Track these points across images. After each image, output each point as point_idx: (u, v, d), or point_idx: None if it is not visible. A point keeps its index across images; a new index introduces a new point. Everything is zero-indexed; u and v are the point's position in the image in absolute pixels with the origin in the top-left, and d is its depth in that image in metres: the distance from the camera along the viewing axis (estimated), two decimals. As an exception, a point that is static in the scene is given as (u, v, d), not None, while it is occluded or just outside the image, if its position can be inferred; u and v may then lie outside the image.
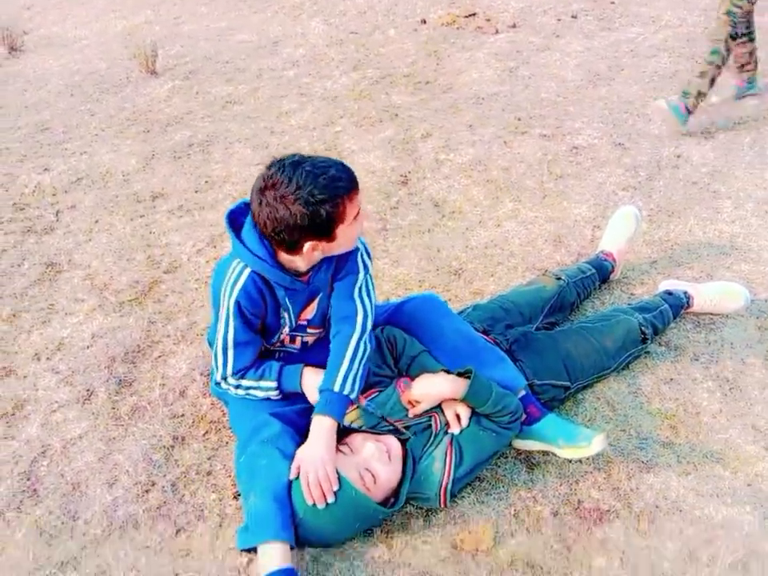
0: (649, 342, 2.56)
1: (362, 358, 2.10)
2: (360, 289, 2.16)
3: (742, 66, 4.07)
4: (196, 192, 3.72)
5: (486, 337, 2.37)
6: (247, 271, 1.99)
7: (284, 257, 1.97)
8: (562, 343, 2.44)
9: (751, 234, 3.17)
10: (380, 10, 6.05)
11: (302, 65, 5.21)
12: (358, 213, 1.93)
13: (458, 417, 2.12)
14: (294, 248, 1.91)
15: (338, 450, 1.98)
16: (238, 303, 2.00)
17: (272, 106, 4.63)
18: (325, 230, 1.88)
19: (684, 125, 3.84)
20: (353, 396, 2.05)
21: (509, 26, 5.49)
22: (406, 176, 3.77)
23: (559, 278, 2.75)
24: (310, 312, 2.17)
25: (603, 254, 2.93)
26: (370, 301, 2.19)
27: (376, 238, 3.28)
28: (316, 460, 1.91)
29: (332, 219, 1.86)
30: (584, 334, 2.49)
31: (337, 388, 2.03)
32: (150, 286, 3.03)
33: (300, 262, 1.98)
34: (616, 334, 2.50)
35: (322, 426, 1.98)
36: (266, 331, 2.14)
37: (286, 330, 2.15)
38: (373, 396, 2.18)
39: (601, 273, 2.88)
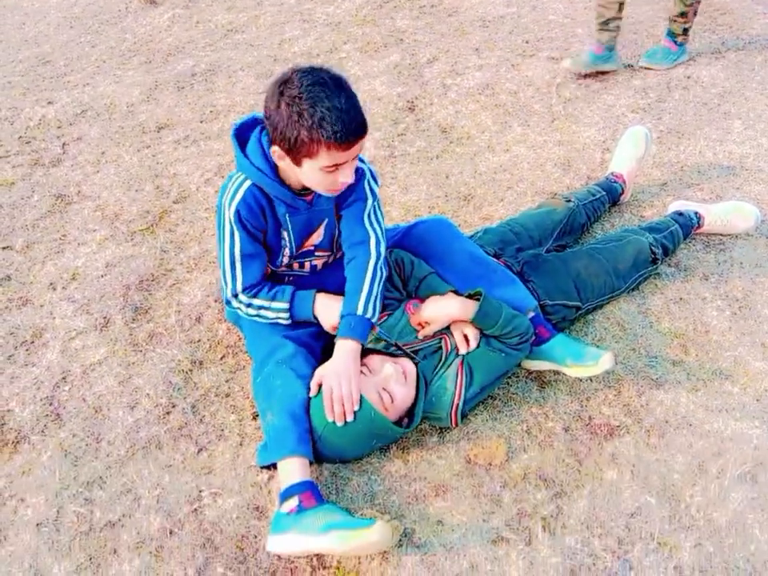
0: (659, 262, 2.57)
1: (380, 282, 2.13)
2: (369, 215, 2.16)
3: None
4: (201, 122, 3.69)
5: (496, 260, 2.39)
6: (247, 183, 2.00)
7: (285, 172, 1.97)
8: (573, 264, 2.45)
9: (761, 155, 3.14)
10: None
11: (303, -10, 5.09)
12: (336, 168, 1.88)
13: (466, 338, 2.15)
14: (270, 144, 1.91)
15: None
16: (238, 213, 2.00)
17: (274, 33, 4.54)
18: (292, 149, 1.84)
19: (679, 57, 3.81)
20: (374, 319, 2.08)
21: (515, -54, 5.33)
22: (412, 102, 3.72)
23: (569, 201, 2.74)
24: (317, 238, 2.17)
25: (613, 176, 2.91)
26: (380, 226, 2.20)
27: (384, 164, 3.26)
28: (341, 377, 1.95)
29: (301, 147, 1.82)
30: (594, 255, 2.49)
31: (360, 311, 2.06)
32: (161, 215, 3.03)
33: (293, 177, 1.96)
34: (626, 255, 2.51)
35: (346, 348, 2.02)
36: (268, 251, 2.14)
37: (287, 252, 2.15)
38: (383, 320, 2.20)
39: (611, 195, 2.87)
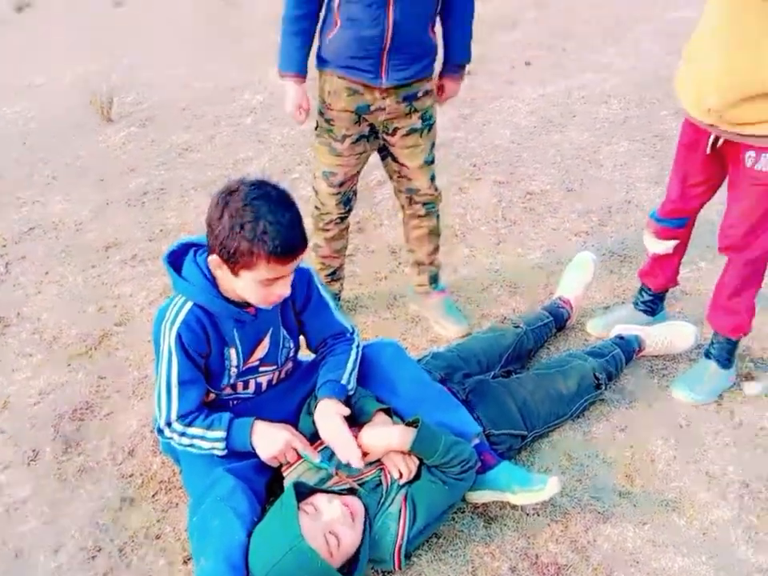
0: (603, 387, 2.57)
1: (357, 361, 2.22)
2: (336, 310, 2.25)
3: None
4: (150, 241, 3.69)
5: (443, 386, 2.36)
6: (189, 305, 1.97)
7: (225, 287, 1.96)
8: (519, 391, 2.44)
9: (701, 278, 3.22)
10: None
11: (259, 112, 5.23)
12: (274, 283, 1.90)
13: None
14: (209, 253, 1.91)
15: (302, 509, 1.91)
16: (179, 337, 1.96)
17: (229, 153, 4.63)
18: (231, 260, 1.85)
19: None
20: (351, 392, 2.16)
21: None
22: (362, 223, 3.78)
23: (517, 326, 2.76)
24: (262, 350, 2.13)
25: (561, 301, 2.96)
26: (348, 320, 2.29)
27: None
28: (336, 442, 2.06)
29: (240, 258, 1.83)
30: (540, 381, 2.49)
31: (344, 381, 2.13)
32: (101, 339, 2.98)
33: (233, 291, 1.96)
34: (571, 381, 2.51)
35: (330, 404, 2.09)
36: (209, 376, 2.08)
37: (234, 371, 2.10)
38: (322, 448, 2.14)
39: (557, 320, 2.90)
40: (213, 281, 1.95)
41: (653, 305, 2.92)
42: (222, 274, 1.91)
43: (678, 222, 2.67)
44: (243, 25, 7.13)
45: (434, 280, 3.06)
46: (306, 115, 2.65)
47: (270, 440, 2.05)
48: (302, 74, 2.60)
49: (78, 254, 3.57)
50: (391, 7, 2.37)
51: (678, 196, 2.60)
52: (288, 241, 1.83)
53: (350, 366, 2.18)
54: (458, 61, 2.68)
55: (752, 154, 2.28)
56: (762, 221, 2.37)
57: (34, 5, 9.48)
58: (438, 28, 2.60)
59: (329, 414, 2.08)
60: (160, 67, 6.33)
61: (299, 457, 2.08)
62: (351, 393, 2.16)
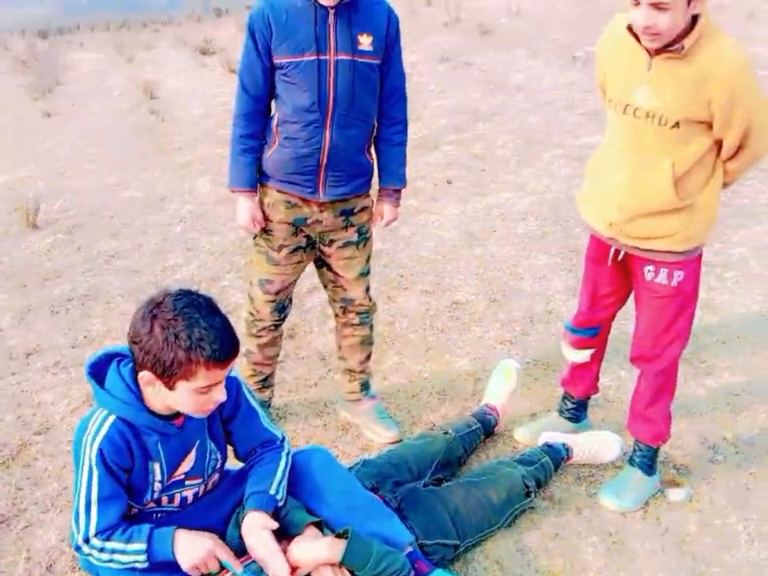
0: (533, 495, 2.60)
1: (287, 470, 2.18)
2: (265, 419, 2.23)
3: None
4: (73, 348, 3.60)
5: (374, 495, 2.35)
6: (111, 418, 1.93)
7: (150, 399, 1.93)
8: (450, 500, 2.45)
9: (621, 386, 3.34)
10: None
11: (188, 221, 5.28)
12: (211, 389, 1.90)
13: None
14: (139, 368, 1.89)
15: None
16: (101, 452, 1.90)
17: (157, 260, 4.63)
18: (166, 373, 1.84)
19: None
20: (281, 503, 2.10)
21: (389, 188, 5.80)
22: (293, 329, 3.80)
23: (446, 432, 2.80)
24: (188, 464, 2.08)
25: (488, 408, 3.02)
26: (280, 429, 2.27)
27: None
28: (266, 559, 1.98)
29: (177, 368, 1.83)
30: (471, 489, 2.51)
31: (272, 491, 2.09)
32: (19, 449, 2.86)
33: (160, 404, 1.94)
34: (501, 489, 2.54)
35: (257, 517, 2.03)
36: (132, 491, 2.02)
37: (158, 486, 2.04)
38: (248, 562, 2.06)
39: (485, 426, 2.95)
40: (137, 393, 1.93)
41: (577, 412, 3.01)
42: (155, 389, 1.90)
43: (590, 331, 2.80)
44: (173, 137, 7.26)
45: (365, 387, 3.08)
46: (259, 226, 2.71)
47: (191, 548, 1.98)
48: (253, 188, 2.68)
49: (-3, 361, 3.46)
50: (327, 130, 2.51)
51: (588, 307, 2.75)
52: (225, 344, 1.86)
53: (278, 475, 2.15)
54: (389, 186, 2.80)
55: (651, 267, 2.44)
56: (666, 332, 2.51)
57: (-41, 111, 9.45)
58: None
59: (255, 527, 2.04)
60: (88, 176, 6.34)
61: (222, 567, 2.01)
62: (281, 503, 2.12)
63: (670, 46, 2.15)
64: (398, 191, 2.83)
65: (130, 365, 1.97)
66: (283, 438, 2.27)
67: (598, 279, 2.67)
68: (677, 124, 2.22)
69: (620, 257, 2.52)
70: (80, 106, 8.86)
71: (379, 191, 2.82)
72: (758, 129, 2.22)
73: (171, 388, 1.87)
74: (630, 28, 2.20)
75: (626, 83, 2.31)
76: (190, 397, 1.89)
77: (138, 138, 7.41)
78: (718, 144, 2.29)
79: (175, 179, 6.17)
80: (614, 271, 2.60)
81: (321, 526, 2.14)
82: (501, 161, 6.30)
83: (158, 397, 1.91)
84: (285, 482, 2.16)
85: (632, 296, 2.65)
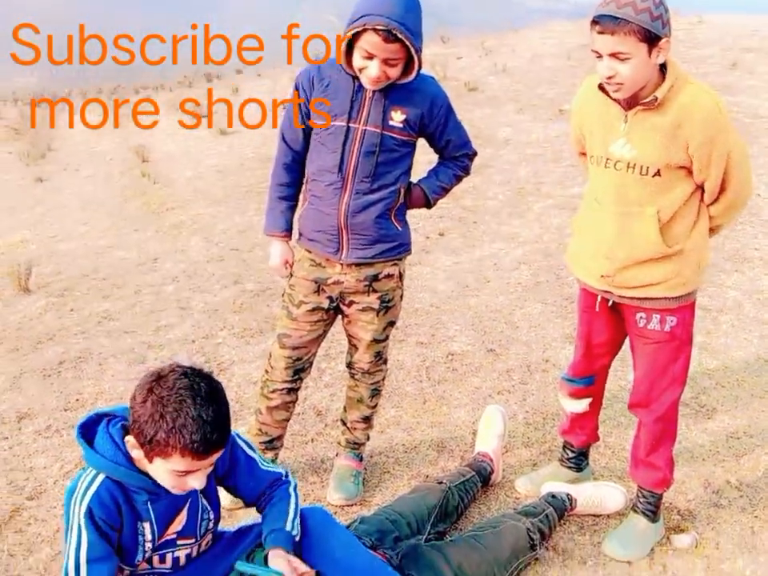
0: (537, 547, 2.54)
1: (298, 503, 2.18)
2: (262, 463, 2.21)
3: None
4: (65, 410, 3.56)
5: (374, 552, 2.29)
6: (100, 477, 1.91)
7: (139, 460, 1.91)
8: (453, 555, 2.39)
9: (622, 434, 3.30)
10: (259, 228, 6.32)
11: (181, 280, 5.28)
12: (188, 476, 1.89)
13: None
14: (127, 433, 1.90)
15: None
16: (89, 511, 1.87)
17: (150, 320, 4.61)
18: (148, 444, 1.83)
19: None
20: (297, 538, 2.09)
21: (382, 242, 5.83)
22: (287, 387, 3.76)
23: (441, 483, 2.76)
24: (179, 523, 2.04)
25: (480, 455, 2.99)
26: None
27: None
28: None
29: (156, 446, 1.82)
30: (474, 544, 2.45)
31: (288, 527, 2.08)
32: (11, 514, 2.79)
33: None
34: (505, 542, 2.48)
35: (281, 554, 2.01)
36: (121, 551, 1.96)
37: (148, 546, 1.99)
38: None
39: (480, 474, 2.90)
40: (126, 453, 1.91)
41: (578, 461, 2.97)
42: (137, 455, 1.90)
43: (587, 380, 2.78)
44: (165, 199, 7.33)
45: (350, 446, 3.04)
46: (290, 268, 2.78)
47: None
48: (287, 232, 2.76)
49: (-12, 426, 3.40)
50: (346, 193, 2.59)
51: (583, 356, 2.74)
52: (205, 438, 1.82)
53: (291, 512, 2.14)
54: (421, 183, 2.76)
55: (643, 315, 2.45)
56: (662, 377, 2.50)
57: (-48, 180, 9.53)
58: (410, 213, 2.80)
59: (282, 555, 2.02)
60: (80, 239, 6.37)
61: None
62: (297, 538, 2.10)
63: (643, 99, 2.21)
64: (425, 194, 2.76)
65: (120, 424, 1.96)
66: (286, 473, 2.27)
67: (591, 328, 2.66)
68: (658, 172, 2.26)
69: (609, 303, 2.52)
70: (72, 170, 8.96)
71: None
72: (736, 169, 2.26)
73: (150, 461, 1.87)
74: (601, 86, 2.25)
75: (603, 139, 2.36)
76: (165, 475, 1.88)
77: (130, 200, 7.47)
78: (701, 188, 2.32)
79: (167, 239, 6.20)
80: (607, 319, 2.60)
81: None
82: (492, 212, 6.36)
83: (141, 462, 1.90)
84: (298, 518, 2.15)
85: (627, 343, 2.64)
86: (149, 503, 1.95)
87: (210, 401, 1.85)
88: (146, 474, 1.93)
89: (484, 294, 4.80)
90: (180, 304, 4.84)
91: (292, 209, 2.78)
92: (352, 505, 2.87)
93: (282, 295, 2.84)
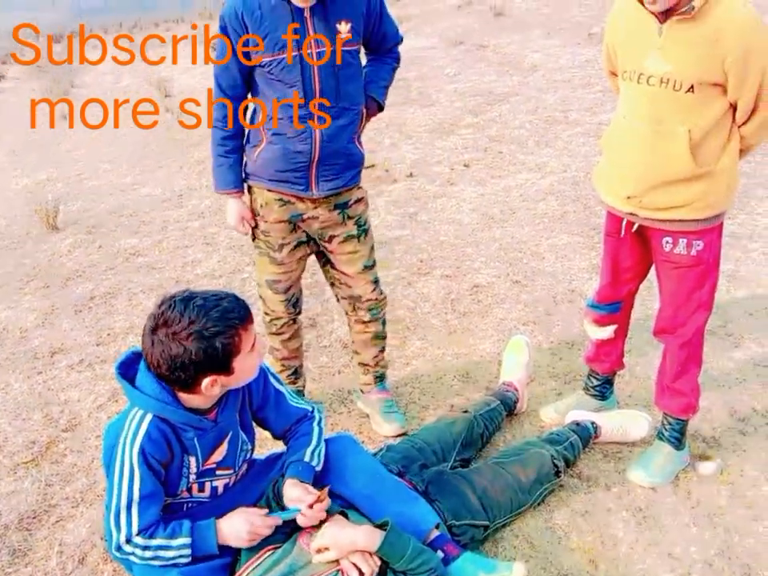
0: (562, 474, 2.58)
1: (321, 437, 2.23)
2: (291, 398, 2.25)
3: None
4: (97, 345, 3.63)
5: (401, 479, 2.34)
6: (149, 417, 1.94)
7: (183, 396, 1.94)
8: (478, 481, 2.43)
9: (649, 362, 3.30)
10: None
11: (207, 216, 5.30)
12: (254, 342, 1.95)
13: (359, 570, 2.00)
14: (192, 386, 1.90)
15: None
16: (142, 451, 1.92)
17: (177, 256, 4.65)
18: (222, 363, 1.88)
19: None
20: (318, 468, 2.15)
21: (406, 175, 5.79)
22: (314, 319, 3.80)
23: (466, 411, 2.79)
24: (220, 454, 2.09)
25: (505, 385, 3.01)
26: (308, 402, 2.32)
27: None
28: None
29: (228, 352, 1.87)
30: (498, 470, 2.49)
31: (307, 458, 2.13)
32: (48, 446, 2.88)
33: (199, 400, 1.95)
34: (530, 469, 2.51)
35: (296, 483, 2.06)
36: (167, 483, 2.03)
37: (192, 477, 2.06)
38: (268, 554, 2.03)
39: (505, 404, 2.93)
40: (170, 390, 1.93)
41: (603, 389, 2.98)
42: (217, 387, 1.92)
43: (612, 307, 2.76)
44: (189, 134, 7.29)
45: (378, 379, 3.07)
46: (249, 226, 2.72)
47: (236, 530, 1.99)
48: (239, 188, 2.68)
49: (23, 361, 3.49)
50: (315, 122, 2.49)
51: (609, 282, 2.71)
52: (239, 302, 1.93)
53: (313, 443, 2.19)
54: (370, 93, 2.68)
55: (669, 239, 2.41)
56: (687, 303, 2.47)
57: (-22, 119, 9.56)
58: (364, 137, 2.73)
59: (297, 484, 2.08)
60: (107, 177, 6.39)
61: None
62: (318, 469, 2.16)
63: (680, 8, 2.12)
64: (374, 101, 2.70)
65: None
66: (314, 409, 2.31)
67: (617, 254, 2.63)
68: (691, 88, 2.19)
69: (634, 228, 2.48)
70: (95, 107, 8.92)
71: None
72: None
73: (232, 372, 1.92)
74: None
75: (638, 53, 2.28)
76: (247, 363, 1.95)
77: (154, 135, 7.45)
78: (733, 109, 2.25)
79: (192, 175, 6.20)
80: (633, 245, 2.57)
81: (346, 516, 2.13)
82: (518, 142, 6.24)
83: (190, 400, 1.93)
84: (321, 449, 2.20)
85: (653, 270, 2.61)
86: (195, 439, 2.00)
87: (197, 295, 1.89)
88: (192, 410, 1.97)
89: (510, 226, 4.75)
90: (206, 240, 4.87)
91: (240, 161, 2.67)
92: (405, 433, 2.89)
93: (254, 242, 2.77)
